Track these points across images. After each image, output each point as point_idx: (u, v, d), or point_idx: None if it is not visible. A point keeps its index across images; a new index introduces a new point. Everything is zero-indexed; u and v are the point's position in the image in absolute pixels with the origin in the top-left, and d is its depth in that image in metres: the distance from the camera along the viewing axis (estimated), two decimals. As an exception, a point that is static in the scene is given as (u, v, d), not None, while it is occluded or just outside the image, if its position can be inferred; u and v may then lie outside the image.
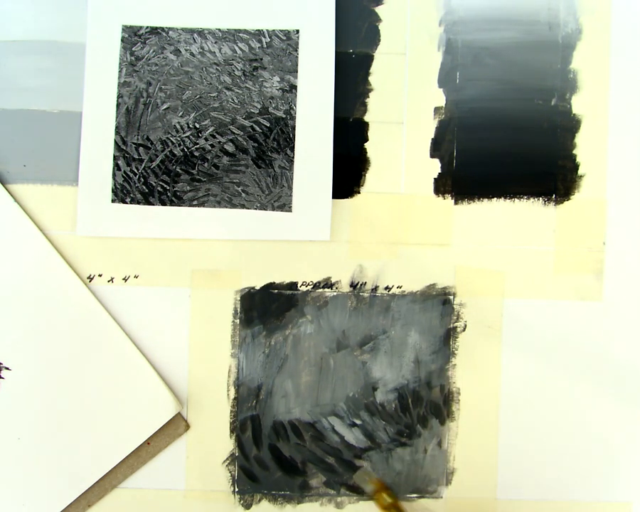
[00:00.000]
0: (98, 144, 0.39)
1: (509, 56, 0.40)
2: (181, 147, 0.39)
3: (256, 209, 0.39)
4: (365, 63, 0.40)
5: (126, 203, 0.39)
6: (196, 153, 0.39)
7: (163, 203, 0.39)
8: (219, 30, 0.39)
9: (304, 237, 0.39)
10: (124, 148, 0.39)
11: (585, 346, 0.40)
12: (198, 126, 0.39)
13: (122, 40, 0.39)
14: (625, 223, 0.41)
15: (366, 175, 0.40)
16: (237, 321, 0.40)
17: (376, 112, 0.40)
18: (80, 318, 0.39)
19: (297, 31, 0.39)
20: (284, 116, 0.39)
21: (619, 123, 0.41)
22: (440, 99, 0.40)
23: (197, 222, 0.39)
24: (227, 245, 0.40)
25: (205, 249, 0.40)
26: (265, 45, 0.39)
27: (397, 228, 0.40)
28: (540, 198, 0.40)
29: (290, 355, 0.40)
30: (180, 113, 0.39)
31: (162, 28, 0.39)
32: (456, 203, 0.40)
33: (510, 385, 0.40)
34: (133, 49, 0.39)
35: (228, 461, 0.40)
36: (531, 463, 0.40)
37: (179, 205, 0.39)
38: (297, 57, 0.39)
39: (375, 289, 0.40)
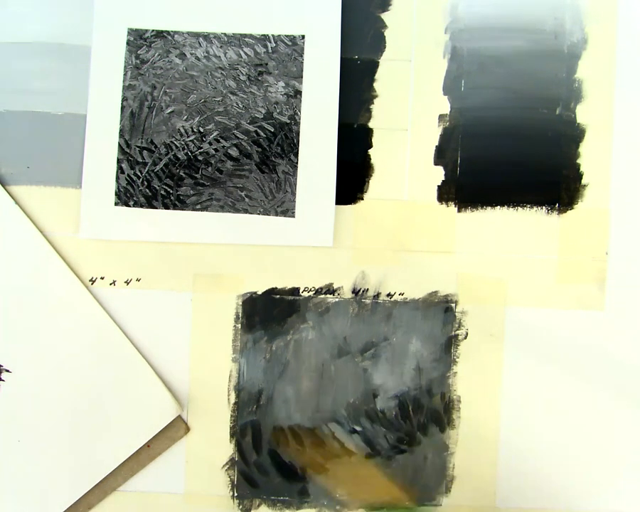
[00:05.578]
0: (102, 147, 0.39)
1: (514, 65, 0.40)
2: (185, 151, 0.39)
3: (259, 214, 0.39)
4: (370, 69, 0.40)
5: (130, 206, 0.39)
6: (200, 158, 0.39)
7: (167, 207, 0.39)
8: (224, 34, 0.39)
9: (307, 242, 0.39)
10: (128, 151, 0.39)
11: (587, 355, 0.40)
12: (202, 130, 0.39)
13: (128, 43, 0.39)
14: (628, 233, 0.40)
15: (370, 181, 0.40)
16: (239, 325, 0.40)
17: (380, 119, 0.40)
18: (81, 320, 0.39)
19: (303, 36, 0.39)
20: (288, 121, 0.39)
21: (623, 133, 0.41)
22: (445, 107, 0.40)
23: (200, 227, 0.39)
24: (230, 250, 0.40)
25: (207, 253, 0.40)
26: (270, 50, 0.39)
27: (400, 235, 0.40)
28: (544, 207, 0.40)
29: (291, 361, 0.40)
30: (185, 117, 0.39)
31: (168, 32, 0.39)
32: (459, 210, 0.40)
33: (511, 393, 0.40)
34: (138, 52, 0.39)
35: (228, 466, 0.40)
36: (531, 472, 0.40)
37: (182, 209, 0.39)
38: (302, 62, 0.39)
39: (377, 295, 0.40)
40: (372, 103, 0.40)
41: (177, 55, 0.39)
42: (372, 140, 0.40)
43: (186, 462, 0.39)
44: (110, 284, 0.39)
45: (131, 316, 0.39)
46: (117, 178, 0.39)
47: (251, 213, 0.39)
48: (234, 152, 0.39)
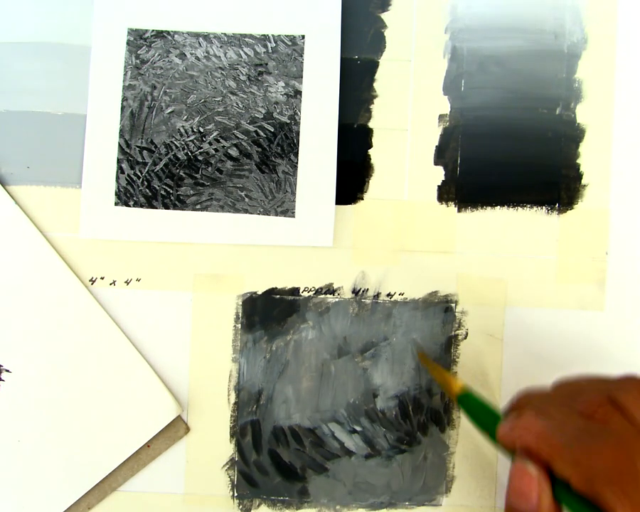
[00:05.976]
0: (102, 147, 0.39)
1: (514, 64, 0.40)
2: (185, 151, 0.39)
3: (259, 214, 0.39)
4: (370, 69, 0.40)
5: (130, 206, 0.39)
6: (200, 158, 0.39)
7: (167, 207, 0.39)
8: (224, 34, 0.39)
9: (307, 242, 0.39)
10: (128, 151, 0.39)
11: (587, 356, 0.40)
12: (202, 130, 0.39)
13: (128, 43, 0.39)
14: (628, 233, 0.40)
15: (370, 181, 0.40)
16: (239, 325, 0.40)
17: (380, 119, 0.40)
18: (81, 320, 0.39)
19: (303, 37, 0.39)
20: (288, 121, 0.39)
21: (623, 133, 0.41)
22: (445, 107, 0.40)
23: (200, 227, 0.39)
24: (230, 250, 0.40)
25: (207, 253, 0.40)
26: (270, 50, 0.39)
27: (400, 235, 0.40)
28: (544, 207, 0.40)
29: (291, 361, 0.40)
30: (185, 117, 0.39)
31: (168, 32, 0.39)
32: (459, 210, 0.40)
33: (511, 393, 0.40)
34: (138, 52, 0.39)
35: (228, 466, 0.40)
36: (531, 472, 0.40)
37: (182, 209, 0.39)
38: (302, 62, 0.39)
39: (377, 295, 0.40)
40: (372, 103, 0.40)
41: (177, 55, 0.39)
42: (372, 140, 0.40)
43: (186, 462, 0.39)
44: (110, 284, 0.39)
45: (131, 316, 0.39)
46: (117, 178, 0.39)
47: (251, 213, 0.39)
48: (234, 152, 0.39)
